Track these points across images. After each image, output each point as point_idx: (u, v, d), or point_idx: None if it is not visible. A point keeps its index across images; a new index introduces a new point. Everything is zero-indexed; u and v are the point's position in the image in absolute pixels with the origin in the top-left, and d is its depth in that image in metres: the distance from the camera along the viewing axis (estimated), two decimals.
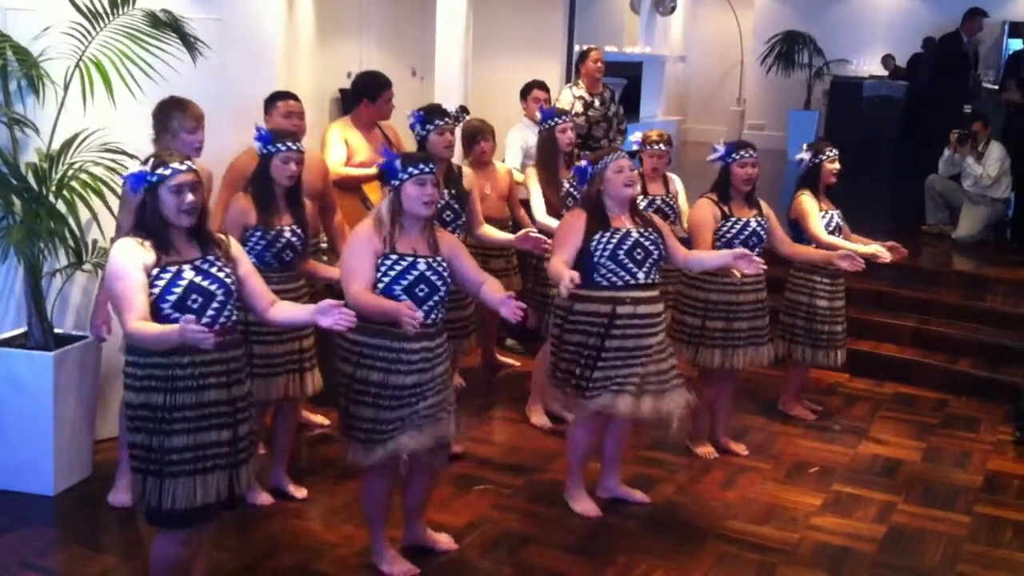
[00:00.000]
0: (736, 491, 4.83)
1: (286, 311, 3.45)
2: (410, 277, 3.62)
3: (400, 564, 3.91)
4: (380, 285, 3.62)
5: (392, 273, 3.62)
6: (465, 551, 4.13)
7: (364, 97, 5.54)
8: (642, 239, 4.22)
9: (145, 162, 3.20)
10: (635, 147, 5.67)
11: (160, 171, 3.15)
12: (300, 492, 4.52)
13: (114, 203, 4.42)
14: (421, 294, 3.64)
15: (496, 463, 4.99)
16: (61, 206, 4.39)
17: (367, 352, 3.63)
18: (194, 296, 3.14)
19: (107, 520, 4.30)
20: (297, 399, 4.45)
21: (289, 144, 4.17)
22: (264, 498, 4.40)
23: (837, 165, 5.40)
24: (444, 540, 4.09)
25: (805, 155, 5.42)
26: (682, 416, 4.33)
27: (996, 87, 10.75)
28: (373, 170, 5.24)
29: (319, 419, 5.34)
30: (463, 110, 5.74)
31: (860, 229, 5.67)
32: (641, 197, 5.35)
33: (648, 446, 5.25)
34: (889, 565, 4.20)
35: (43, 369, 4.35)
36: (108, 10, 4.37)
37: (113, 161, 4.40)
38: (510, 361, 6.51)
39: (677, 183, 5.66)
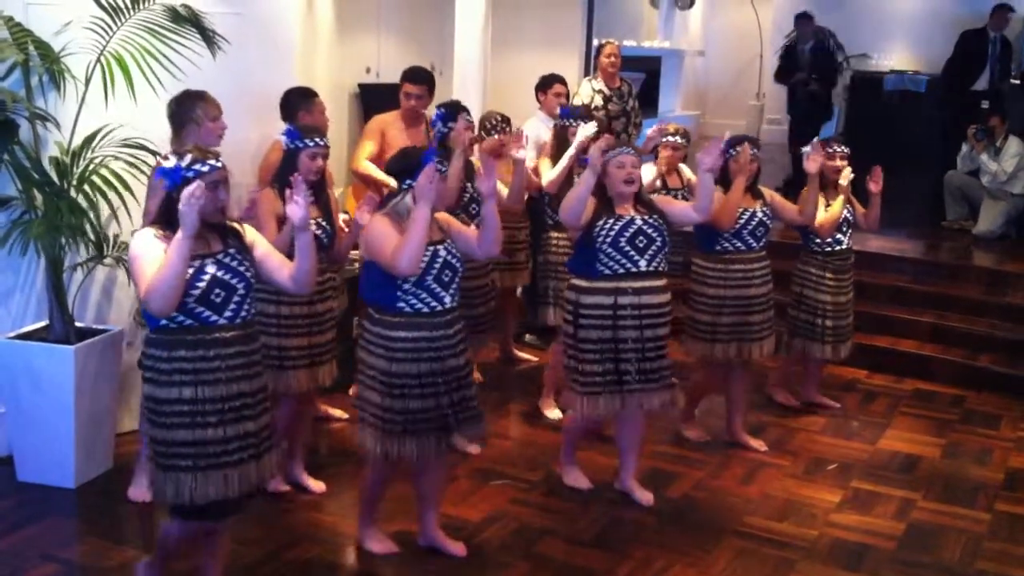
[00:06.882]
0: (755, 487, 4.82)
1: (298, 263, 3.35)
2: (437, 265, 3.64)
3: (382, 542, 4.00)
4: (411, 277, 3.61)
5: (420, 265, 3.61)
6: (482, 545, 4.14)
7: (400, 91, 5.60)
8: (645, 226, 4.20)
9: (180, 157, 3.20)
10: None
11: (197, 167, 3.17)
12: (318, 486, 4.53)
13: (132, 199, 4.45)
14: (446, 279, 3.68)
15: (513, 457, 5.00)
16: (82, 201, 4.43)
17: (392, 344, 3.64)
18: (217, 290, 3.17)
19: (128, 512, 4.33)
20: (312, 392, 4.46)
21: (316, 140, 4.19)
22: (280, 485, 4.41)
23: (844, 163, 5.41)
24: (456, 547, 4.06)
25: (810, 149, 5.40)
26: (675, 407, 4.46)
27: (1019, 81, 10.64)
28: (391, 181, 5.22)
29: (337, 412, 5.36)
30: None
31: (880, 224, 5.68)
32: (664, 192, 5.38)
33: (667, 441, 5.25)
34: (908, 562, 4.19)
35: (64, 363, 4.38)
36: (129, 5, 4.39)
37: (133, 156, 4.43)
38: (527, 356, 6.51)
39: (686, 171, 5.69)
